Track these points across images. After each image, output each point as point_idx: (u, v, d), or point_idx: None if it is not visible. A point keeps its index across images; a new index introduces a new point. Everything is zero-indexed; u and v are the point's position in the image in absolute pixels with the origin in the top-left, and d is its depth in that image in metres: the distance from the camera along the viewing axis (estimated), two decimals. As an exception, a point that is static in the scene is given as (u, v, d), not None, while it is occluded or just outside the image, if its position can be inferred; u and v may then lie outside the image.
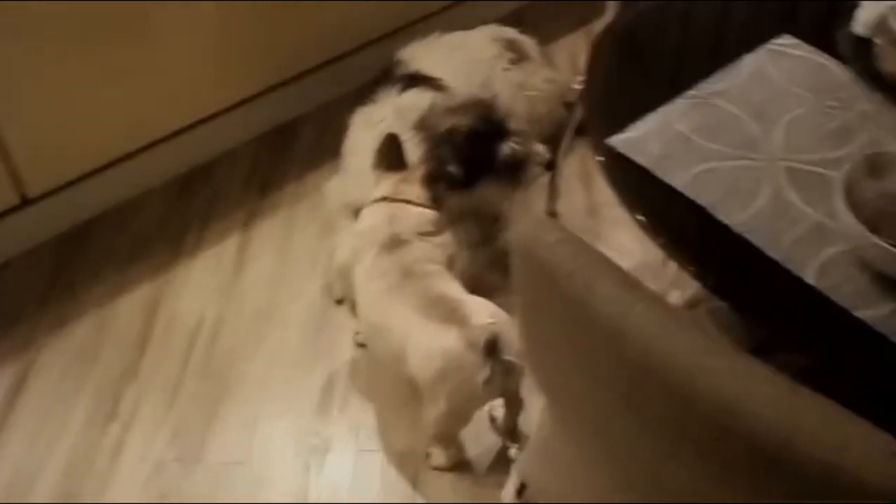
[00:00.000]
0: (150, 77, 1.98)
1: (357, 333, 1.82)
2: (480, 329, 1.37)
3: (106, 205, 2.09)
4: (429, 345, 1.43)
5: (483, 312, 1.41)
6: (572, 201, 2.14)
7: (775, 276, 1.02)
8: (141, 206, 2.12)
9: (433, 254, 1.60)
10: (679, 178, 1.13)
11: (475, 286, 1.57)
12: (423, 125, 1.87)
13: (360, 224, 1.65)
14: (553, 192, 2.10)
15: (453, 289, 1.51)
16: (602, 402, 0.85)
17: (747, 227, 1.06)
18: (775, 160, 1.14)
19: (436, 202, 1.69)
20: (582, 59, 2.50)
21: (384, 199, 1.65)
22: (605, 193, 2.16)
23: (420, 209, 1.66)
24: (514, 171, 1.86)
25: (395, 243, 1.58)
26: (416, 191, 1.67)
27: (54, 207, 1.99)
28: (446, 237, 1.67)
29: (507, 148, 1.83)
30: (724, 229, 1.07)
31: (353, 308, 1.71)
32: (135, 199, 2.13)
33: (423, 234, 1.62)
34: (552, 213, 2.12)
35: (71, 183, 1.99)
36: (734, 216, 1.07)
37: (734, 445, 0.69)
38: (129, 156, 2.05)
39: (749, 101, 1.23)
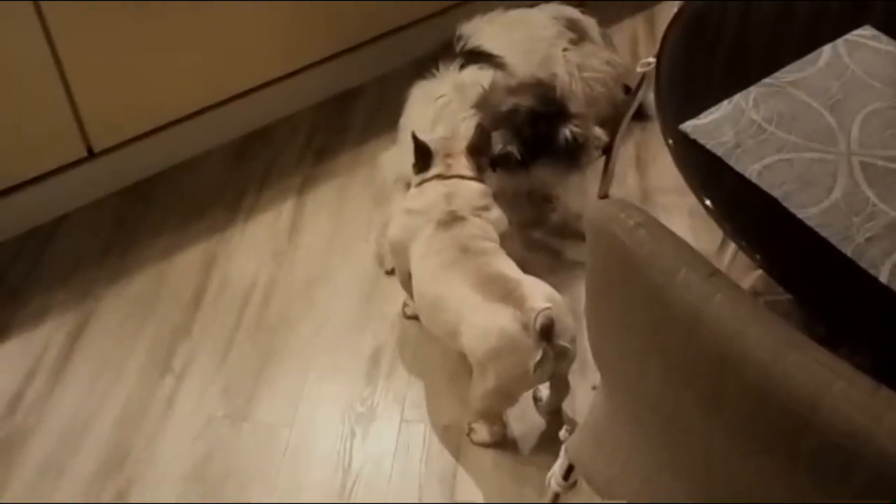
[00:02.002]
0: (216, 40, 2.00)
1: (406, 305, 1.83)
2: (537, 312, 1.37)
3: (167, 163, 2.13)
4: (484, 323, 1.44)
5: (540, 295, 1.42)
6: (625, 186, 2.14)
7: (846, 273, 1.01)
8: (201, 167, 2.15)
9: (488, 231, 1.61)
10: (751, 167, 1.12)
11: (525, 266, 1.57)
12: (483, 104, 1.87)
13: (415, 202, 1.65)
14: (607, 176, 2.09)
15: (510, 268, 1.52)
16: (669, 389, 0.85)
17: (819, 220, 1.04)
18: (851, 154, 1.12)
19: (480, 172, 1.70)
20: (642, 43, 2.51)
21: (437, 176, 1.66)
22: (658, 179, 2.17)
23: (473, 183, 1.66)
24: (573, 154, 1.85)
25: (452, 220, 1.59)
26: (464, 164, 1.68)
27: (118, 163, 2.04)
28: (500, 213, 1.68)
29: (567, 131, 1.82)
30: (794, 221, 1.06)
31: (406, 283, 1.73)
32: (195, 159, 2.16)
33: (480, 209, 1.62)
34: (604, 197, 2.12)
35: (135, 139, 2.03)
36: (806, 209, 1.06)
37: (809, 440, 0.69)
38: (191, 116, 2.08)
39: (825, 93, 1.21)
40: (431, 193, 1.63)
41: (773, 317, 0.72)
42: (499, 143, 1.81)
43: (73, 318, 1.85)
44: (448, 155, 1.68)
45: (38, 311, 1.86)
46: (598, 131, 1.91)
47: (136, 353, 1.79)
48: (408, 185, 2.02)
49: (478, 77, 1.95)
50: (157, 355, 1.78)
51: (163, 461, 1.62)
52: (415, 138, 1.67)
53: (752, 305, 0.73)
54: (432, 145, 1.67)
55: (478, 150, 1.70)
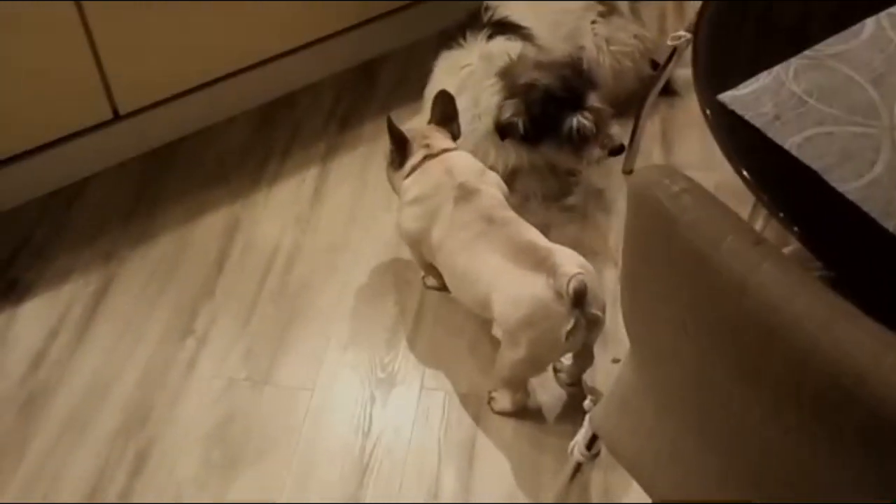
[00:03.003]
0: (243, 5, 1.98)
1: (425, 277, 1.83)
2: (569, 277, 1.37)
3: (192, 127, 2.13)
4: (517, 291, 1.43)
5: (572, 262, 1.41)
6: (650, 162, 2.12)
7: (886, 248, 1.00)
8: (225, 132, 2.15)
9: (501, 199, 1.61)
10: (790, 140, 1.10)
11: (547, 239, 1.57)
12: (506, 73, 1.86)
13: (417, 189, 1.63)
14: (632, 151, 2.08)
15: (539, 236, 1.52)
16: (706, 359, 0.85)
17: (860, 194, 1.03)
18: (893, 128, 1.10)
19: (454, 139, 1.71)
20: (671, 18, 2.47)
21: (426, 158, 1.64)
22: (684, 155, 2.15)
23: (459, 152, 1.67)
24: (576, 145, 1.84)
25: (467, 193, 1.58)
26: (441, 137, 1.68)
27: (143, 126, 2.03)
28: (495, 175, 1.68)
29: (576, 121, 1.80)
30: (834, 195, 1.05)
31: (426, 267, 1.73)
32: (220, 124, 2.16)
33: (479, 173, 1.63)
34: (629, 172, 2.10)
35: (160, 103, 2.02)
36: (847, 183, 1.04)
37: (855, 413, 0.68)
38: (217, 81, 2.07)
39: (868, 66, 1.18)
40: (432, 174, 1.62)
41: (821, 286, 0.71)
42: (509, 111, 1.81)
43: (96, 278, 1.86)
44: (423, 136, 1.67)
45: (63, 270, 1.87)
46: (615, 131, 1.87)
47: (158, 315, 1.80)
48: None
49: (506, 48, 1.93)
50: (180, 317, 1.79)
51: (184, 422, 1.63)
52: (391, 127, 1.64)
53: (800, 275, 0.72)
54: (407, 134, 1.66)
55: (446, 118, 1.70)
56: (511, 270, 1.45)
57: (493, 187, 1.63)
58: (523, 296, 1.42)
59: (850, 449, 0.72)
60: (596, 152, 1.86)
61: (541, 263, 1.42)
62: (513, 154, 1.90)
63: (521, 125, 1.80)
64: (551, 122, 1.81)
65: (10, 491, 1.54)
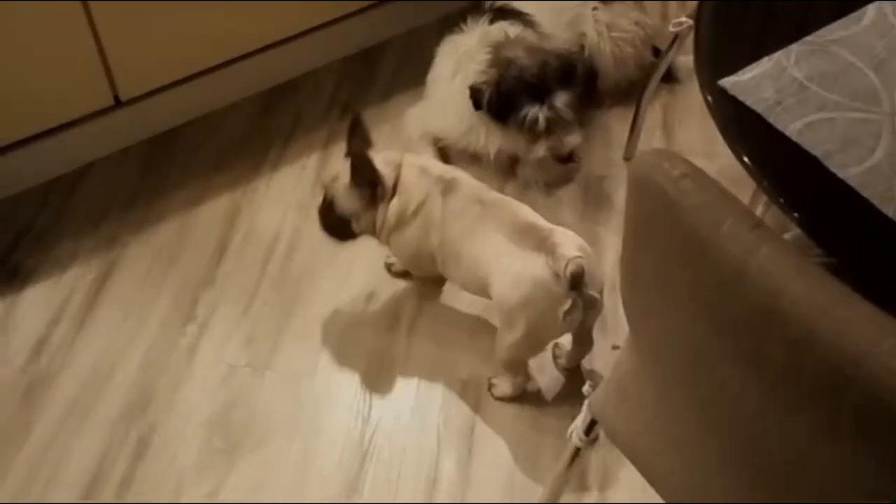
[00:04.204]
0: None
1: (388, 257, 1.81)
2: (567, 260, 1.37)
3: (194, 114, 2.13)
4: (518, 271, 1.44)
5: (571, 244, 1.42)
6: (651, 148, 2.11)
7: (886, 233, 1.00)
8: (227, 118, 2.15)
9: (478, 182, 1.62)
10: (791, 126, 1.10)
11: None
12: (497, 47, 1.88)
13: (403, 203, 1.59)
14: (633, 138, 2.08)
15: (538, 217, 1.52)
16: (705, 343, 0.85)
17: (861, 180, 1.03)
18: (895, 114, 1.10)
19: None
20: (672, 5, 2.46)
21: (396, 171, 1.61)
22: (685, 142, 2.15)
23: (414, 154, 1.69)
24: (529, 133, 1.85)
25: (449, 183, 1.59)
26: (389, 152, 1.65)
27: (145, 112, 2.03)
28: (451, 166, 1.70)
29: (532, 112, 1.81)
30: (834, 181, 1.05)
31: (429, 269, 1.71)
32: (221, 111, 2.15)
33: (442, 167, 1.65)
34: (629, 159, 2.10)
35: (162, 89, 2.02)
36: (847, 168, 1.04)
37: (852, 396, 0.68)
38: (218, 67, 2.07)
39: (869, 52, 1.18)
40: (411, 180, 1.60)
41: (819, 271, 0.71)
42: (482, 77, 1.83)
43: (98, 265, 1.86)
44: (381, 160, 1.63)
45: (64, 257, 1.87)
46: (570, 139, 1.87)
47: (159, 301, 1.80)
48: (433, 141, 2.02)
49: (505, 29, 1.94)
50: (181, 304, 1.79)
51: (185, 408, 1.64)
52: (366, 164, 1.56)
53: (798, 259, 0.72)
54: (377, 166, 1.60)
55: (365, 140, 1.64)
56: (512, 251, 1.46)
57: (463, 173, 1.65)
58: (523, 276, 1.43)
59: (847, 433, 0.72)
60: (540, 150, 1.86)
61: (541, 244, 1.43)
62: (500, 137, 1.90)
63: (486, 94, 1.80)
64: (515, 104, 1.82)
65: (12, 477, 1.55)
